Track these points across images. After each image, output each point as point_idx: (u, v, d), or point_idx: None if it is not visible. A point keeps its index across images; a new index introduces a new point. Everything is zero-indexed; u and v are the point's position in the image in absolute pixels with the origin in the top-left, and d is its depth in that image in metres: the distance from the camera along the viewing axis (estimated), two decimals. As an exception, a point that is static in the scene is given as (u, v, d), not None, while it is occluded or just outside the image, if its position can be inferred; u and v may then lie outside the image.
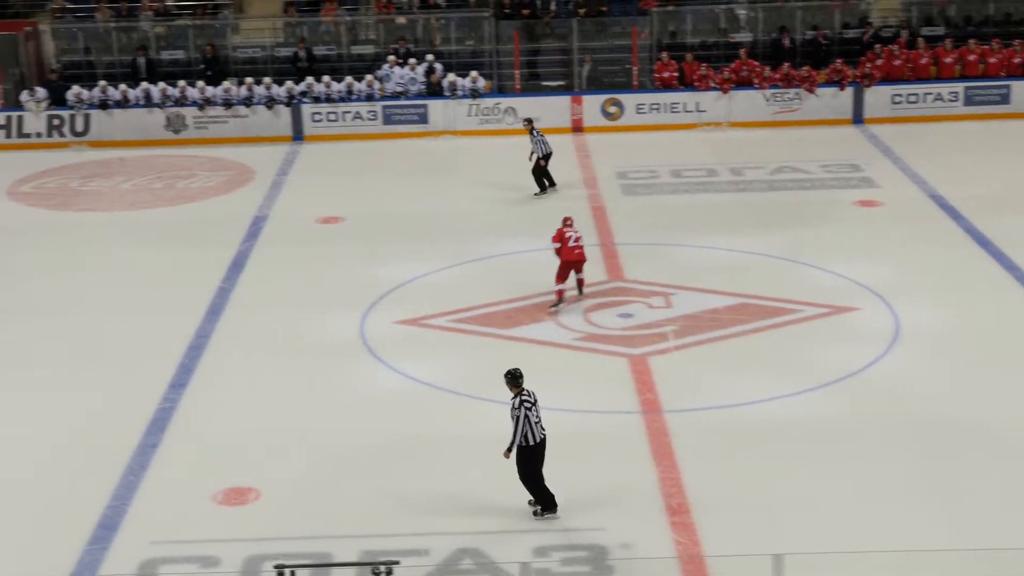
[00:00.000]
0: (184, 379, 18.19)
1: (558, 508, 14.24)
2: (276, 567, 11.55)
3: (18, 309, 21.02)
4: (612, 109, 32.01)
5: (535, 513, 14.33)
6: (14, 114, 31.83)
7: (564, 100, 32.22)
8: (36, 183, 28.82)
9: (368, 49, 33.82)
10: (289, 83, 31.96)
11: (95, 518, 14.47)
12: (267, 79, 32.01)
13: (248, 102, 31.72)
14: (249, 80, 31.91)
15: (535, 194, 26.47)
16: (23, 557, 13.69)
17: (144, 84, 31.98)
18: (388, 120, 31.81)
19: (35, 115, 31.79)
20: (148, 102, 31.83)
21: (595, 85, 32.86)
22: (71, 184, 28.73)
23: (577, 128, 31.85)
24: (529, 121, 27.02)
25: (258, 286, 21.89)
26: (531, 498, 14.34)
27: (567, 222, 20.65)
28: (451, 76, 32.05)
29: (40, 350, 19.39)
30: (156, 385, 17.90)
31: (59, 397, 17.78)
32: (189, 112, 31.78)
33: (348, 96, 31.88)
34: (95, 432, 16.66)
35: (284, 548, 13.56)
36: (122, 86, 31.94)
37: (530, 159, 26.57)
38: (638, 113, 31.96)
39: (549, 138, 26.71)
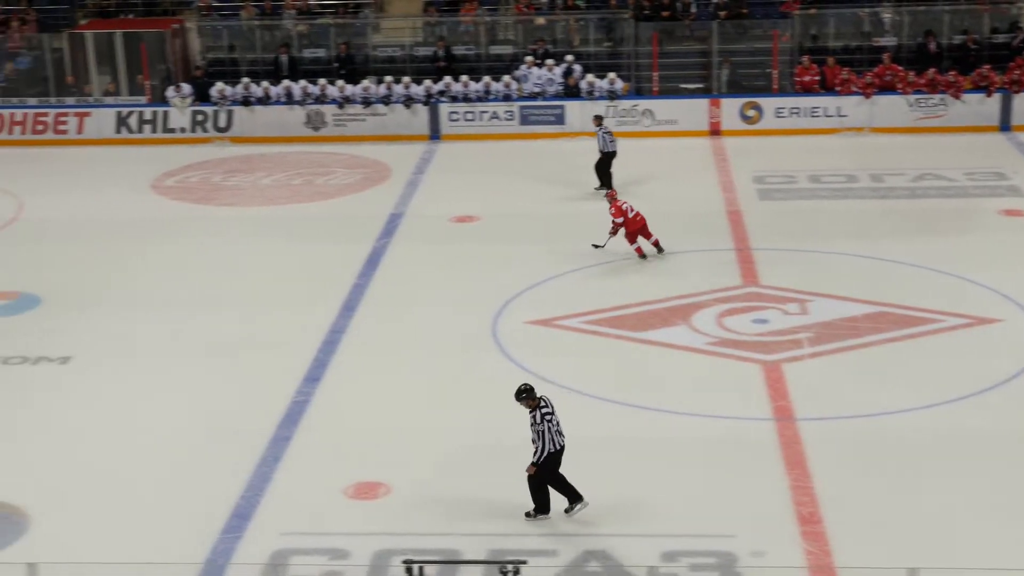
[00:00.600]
0: (318, 373, 18.39)
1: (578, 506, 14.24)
2: (404, 562, 11.61)
3: (159, 302, 21.41)
4: (751, 113, 31.67)
5: (527, 514, 14.25)
6: (160, 109, 32.51)
7: (702, 103, 31.96)
8: (179, 177, 29.39)
9: (506, 49, 33.91)
10: (427, 82, 32.17)
11: (229, 508, 14.69)
12: (406, 78, 32.26)
13: (387, 101, 32.00)
14: (388, 79, 32.18)
15: (595, 188, 26.76)
16: (159, 544, 13.93)
17: (286, 82, 32.44)
18: (525, 120, 31.85)
19: (180, 111, 32.45)
20: (289, 99, 32.29)
21: (734, 88, 32.54)
22: (213, 179, 29.26)
23: (715, 131, 31.58)
24: (599, 118, 27.45)
25: (392, 283, 22.06)
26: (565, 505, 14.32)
27: (614, 196, 22.63)
28: (589, 77, 32.00)
29: (178, 343, 19.74)
30: (290, 379, 18.12)
31: (196, 389, 18.09)
32: (329, 110, 32.17)
33: (485, 96, 32.00)
34: (230, 424, 16.91)
35: (412, 544, 13.62)
36: (264, 83, 32.46)
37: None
38: (777, 117, 31.58)
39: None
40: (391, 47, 34.13)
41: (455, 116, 32.01)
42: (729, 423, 16.54)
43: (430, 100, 32.04)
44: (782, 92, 32.11)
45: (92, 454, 16.21)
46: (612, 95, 31.71)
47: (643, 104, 31.87)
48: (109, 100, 33.06)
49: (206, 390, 18.03)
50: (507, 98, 32.02)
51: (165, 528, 14.40)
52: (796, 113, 31.55)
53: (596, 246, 22.89)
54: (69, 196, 27.88)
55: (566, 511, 14.31)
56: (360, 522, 14.35)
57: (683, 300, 20.43)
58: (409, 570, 11.50)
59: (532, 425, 14.06)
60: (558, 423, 14.13)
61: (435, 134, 32.01)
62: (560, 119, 31.81)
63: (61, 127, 32.67)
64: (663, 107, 31.70)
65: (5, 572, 12.73)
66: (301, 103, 32.22)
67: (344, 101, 32.08)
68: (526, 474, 14.19)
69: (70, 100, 33.04)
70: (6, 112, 32.71)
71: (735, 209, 25.66)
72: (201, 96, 32.53)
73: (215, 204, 27.25)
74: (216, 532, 14.19)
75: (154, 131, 32.50)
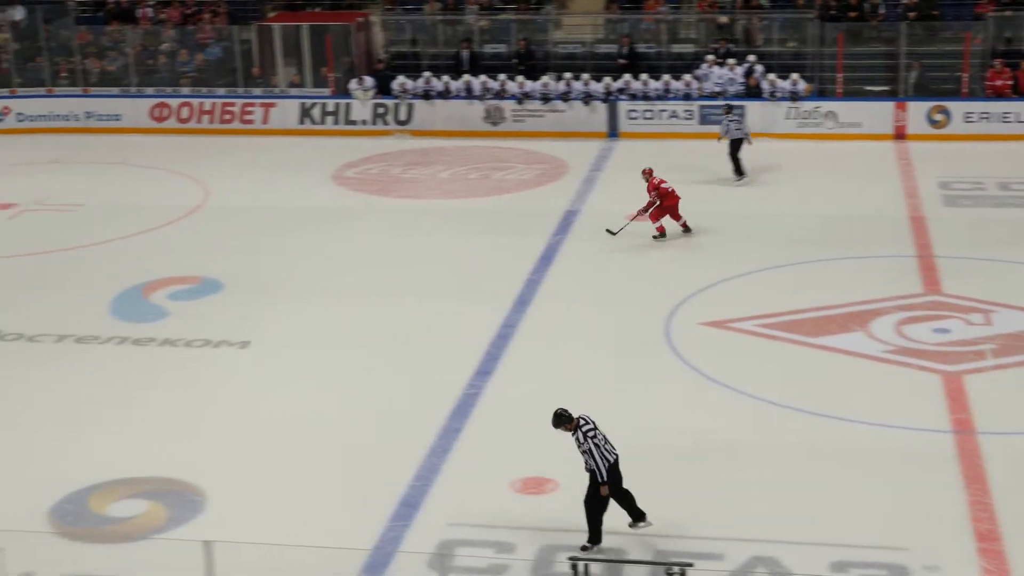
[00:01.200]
0: (490, 367, 18.47)
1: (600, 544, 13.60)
2: (570, 559, 11.57)
3: (338, 291, 21.75)
4: (938, 117, 30.86)
5: (583, 547, 13.53)
6: (343, 101, 33.05)
7: (887, 106, 31.24)
8: (360, 169, 29.82)
9: (688, 48, 33.65)
10: (607, 79, 32.10)
11: (398, 496, 14.83)
12: (585, 75, 32.22)
13: (566, 97, 32.02)
14: (567, 76, 32.19)
15: (735, 175, 27.59)
16: (329, 529, 14.12)
17: (466, 76, 32.69)
18: (704, 120, 31.54)
19: (362, 103, 32.93)
20: (469, 94, 32.53)
21: (922, 92, 31.73)
22: (392, 171, 29.61)
23: (900, 135, 30.85)
24: (729, 107, 28.34)
25: (566, 279, 22.05)
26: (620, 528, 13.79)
27: (651, 173, 23.54)
28: (771, 77, 31.56)
29: (355, 331, 20.01)
30: (462, 371, 18.23)
31: (370, 377, 18.32)
32: (508, 105, 32.32)
33: (665, 94, 31.79)
34: (402, 413, 17.08)
35: (579, 541, 13.56)
36: (445, 77, 32.76)
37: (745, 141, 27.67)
38: (966, 122, 30.71)
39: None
40: (572, 44, 34.12)
41: (634, 114, 31.87)
42: (906, 434, 16.12)
43: (609, 97, 31.96)
44: (972, 96, 31.22)
45: (267, 437, 16.53)
46: (794, 96, 31.23)
47: (826, 106, 31.31)
48: (294, 91, 33.72)
49: (380, 379, 18.23)
50: (687, 97, 31.77)
51: (335, 513, 14.60)
52: (986, 118, 30.65)
53: (610, 231, 23.59)
54: (253, 184, 28.51)
55: (630, 525, 13.86)
56: (527, 517, 14.36)
57: (861, 306, 20.01)
58: (575, 568, 11.46)
59: (579, 448, 13.58)
60: (604, 438, 13.58)
61: (613, 132, 31.92)
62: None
63: (247, 117, 33.44)
64: (847, 109, 31.11)
65: (181, 549, 13.04)
66: (480, 98, 32.43)
67: (523, 97, 32.19)
68: (586, 500, 13.61)
69: (256, 91, 33.78)
70: (195, 101, 33.59)
71: (919, 215, 25.03)
72: (383, 89, 32.97)
73: (394, 196, 27.58)
74: (384, 519, 14.34)
75: (336, 123, 33.05)
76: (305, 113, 33.23)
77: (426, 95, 32.60)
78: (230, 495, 15.04)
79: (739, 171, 27.63)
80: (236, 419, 17.04)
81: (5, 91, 34.25)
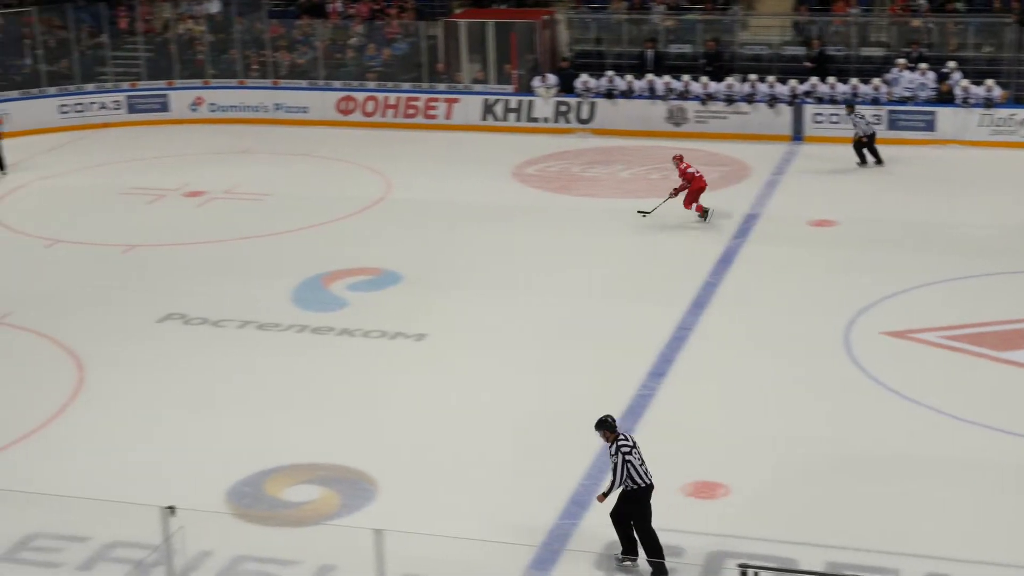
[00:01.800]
0: (663, 369, 18.32)
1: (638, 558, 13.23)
2: (740, 566, 11.39)
3: (515, 287, 21.82)
4: None
5: (616, 558, 13.35)
6: (525, 99, 33.18)
7: (1088, 115, 30.21)
8: (540, 166, 29.89)
9: (878, 51, 32.95)
10: (793, 82, 31.62)
11: (568, 493, 14.80)
12: (771, 77, 31.81)
13: (750, 99, 31.64)
14: (753, 77, 31.81)
15: (857, 163, 28.81)
16: (497, 524, 14.16)
17: (649, 76, 32.53)
18: (893, 125, 30.84)
19: (544, 101, 33.02)
20: (652, 94, 32.37)
21: (1122, 101, 30.59)
22: (572, 169, 29.61)
23: (1099, 145, 29.78)
24: (850, 106, 29.18)
25: (744, 284, 21.77)
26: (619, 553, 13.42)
27: (682, 159, 24.78)
28: (964, 83, 30.70)
29: (531, 328, 20.05)
30: (636, 372, 18.12)
31: (544, 374, 18.32)
32: (691, 106, 32.07)
33: (852, 98, 31.17)
34: (574, 411, 17.02)
35: (748, 548, 13.38)
36: (628, 77, 32.65)
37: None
38: None
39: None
40: (758, 45, 33.69)
41: (820, 118, 31.34)
42: (1095, 455, 15.54)
43: (795, 100, 31.47)
44: None
45: (440, 430, 16.65)
46: (988, 103, 30.34)
47: (1021, 114, 30.34)
48: (477, 88, 33.96)
49: (554, 376, 18.23)
50: (875, 101, 31.10)
51: (504, 508, 14.64)
52: None
53: (643, 212, 24.78)
54: (434, 179, 28.79)
55: (616, 557, 13.47)
56: (696, 521, 14.20)
57: (1052, 321, 19.35)
58: (744, 574, 11.27)
59: (610, 456, 13.28)
60: (642, 462, 13.20)
61: (798, 135, 31.42)
62: (930, 126, 30.66)
63: (431, 112, 33.80)
64: (1043, 117, 30.16)
65: (352, 536, 13.21)
66: (663, 98, 32.24)
67: (707, 98, 31.91)
68: (613, 514, 13.34)
69: (441, 86, 34.12)
70: (381, 95, 34.08)
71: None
72: (566, 87, 33.00)
73: (573, 194, 27.57)
74: (553, 517, 14.32)
75: (518, 119, 33.19)
76: (488, 109, 33.45)
77: (609, 94, 32.54)
78: (402, 485, 15.18)
79: (869, 158, 28.85)
80: (410, 410, 17.21)
81: (199, 82, 35.20)
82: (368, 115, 34.16)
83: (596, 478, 15.14)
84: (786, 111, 31.43)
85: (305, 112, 34.44)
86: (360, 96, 34.24)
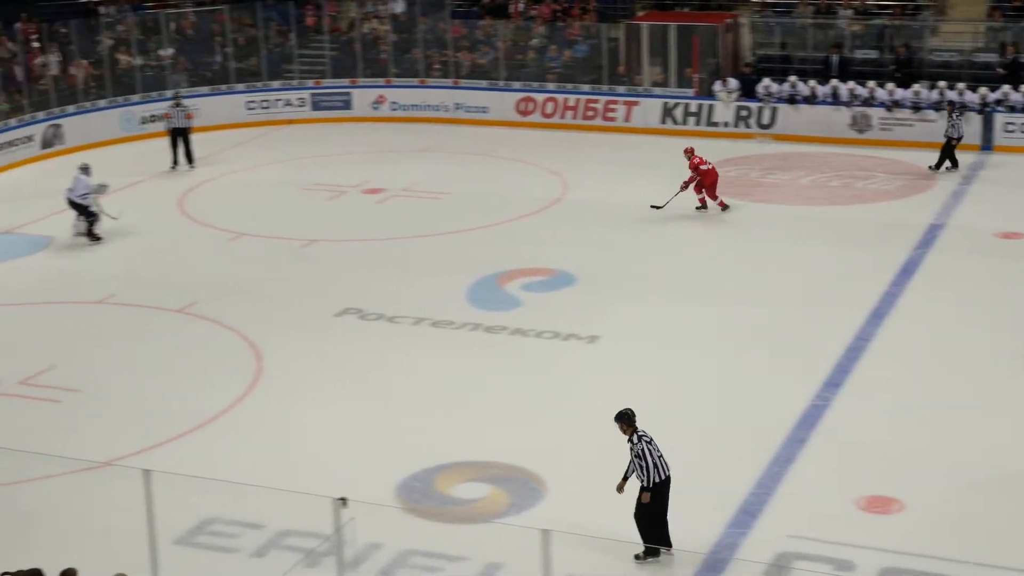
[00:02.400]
0: (839, 379, 17.98)
1: (661, 553, 13.34)
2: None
3: (688, 291, 21.65)
4: None
5: (636, 557, 13.42)
6: (705, 103, 32.89)
7: None
8: (719, 171, 29.53)
9: (1074, 59, 31.86)
10: (983, 90, 30.74)
11: (737, 502, 14.63)
12: (960, 84, 30.97)
13: (938, 107, 30.84)
14: (941, 84, 31.01)
15: (929, 167, 28.52)
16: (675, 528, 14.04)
17: (833, 82, 31.96)
18: (1090, 137, 29.82)
19: (725, 105, 32.70)
20: (835, 100, 31.80)
21: None
22: (751, 175, 29.25)
23: None
24: (951, 104, 29.12)
25: (926, 295, 21.24)
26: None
27: (694, 152, 25.59)
28: None
29: (704, 333, 19.87)
30: (811, 381, 17.82)
31: (717, 380, 18.15)
32: (875, 113, 31.41)
33: (1040, 106, 30.19)
34: (746, 419, 16.84)
35: (921, 566, 13.06)
36: (812, 82, 32.13)
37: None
38: None
39: None
40: (948, 51, 32.83)
41: (1011, 127, 30.40)
42: None
43: (985, 109, 30.60)
44: None
45: (611, 433, 16.51)
46: None
47: None
48: (657, 91, 33.78)
49: (726, 382, 18.04)
50: (1068, 111, 30.10)
51: (672, 513, 14.49)
52: None
53: (656, 206, 25.54)
54: (611, 181, 28.71)
55: (636, 557, 13.43)
56: (870, 536, 13.89)
57: None
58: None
59: (631, 450, 13.39)
60: (660, 455, 13.38)
61: (987, 144, 30.53)
62: None
63: (610, 114, 33.73)
64: None
65: (519, 535, 13.24)
66: (848, 104, 31.65)
67: (893, 105, 31.21)
68: (636, 515, 13.38)
69: (620, 88, 34.01)
70: (560, 97, 34.13)
71: None
72: (747, 92, 32.63)
73: (752, 200, 27.22)
74: (722, 525, 14.16)
75: (698, 123, 32.92)
76: (667, 113, 33.26)
77: (791, 99, 32.07)
78: (570, 487, 15.18)
79: (946, 163, 28.54)
80: (581, 412, 17.18)
81: (381, 80, 35.71)
82: (547, 116, 34.24)
83: (767, 487, 14.95)
84: (976, 120, 30.52)
85: (485, 112, 34.68)
86: (540, 97, 34.35)
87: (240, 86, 35.38)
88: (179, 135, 30.24)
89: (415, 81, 35.61)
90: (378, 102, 35.49)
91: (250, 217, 26.42)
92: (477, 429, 16.73)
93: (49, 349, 19.79)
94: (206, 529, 14.39)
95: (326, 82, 35.86)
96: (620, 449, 16.01)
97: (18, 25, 32.99)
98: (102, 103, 33.53)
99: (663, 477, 13.43)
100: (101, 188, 25.19)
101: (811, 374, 18.03)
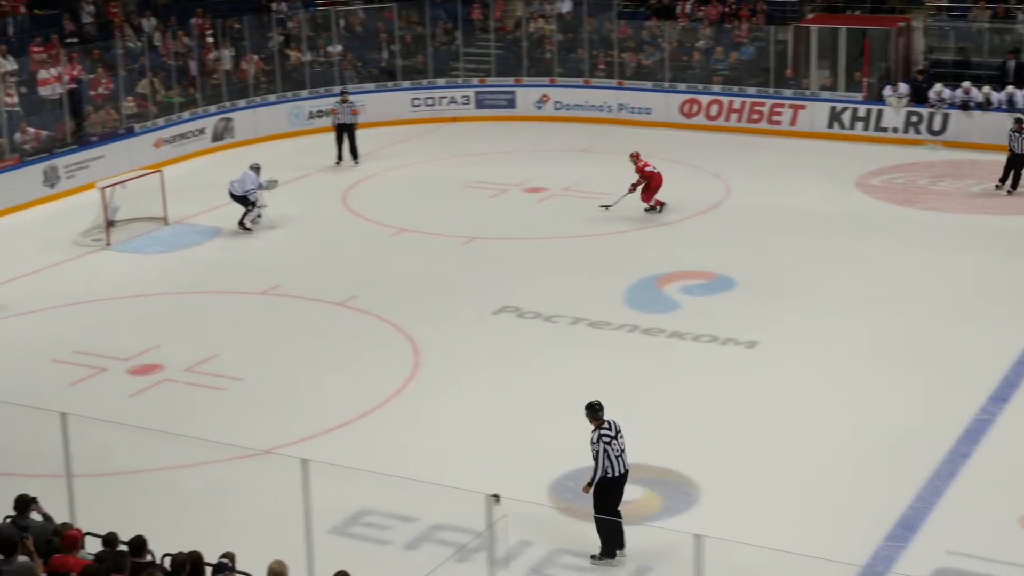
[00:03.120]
0: (1007, 394, 17.49)
1: (618, 555, 13.42)
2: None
3: (851, 299, 21.26)
4: None
5: (592, 557, 13.57)
6: (874, 107, 32.26)
7: None
8: (886, 177, 29.00)
9: None
10: None
11: (896, 516, 14.31)
12: None
13: (1119, 116, 29.76)
14: (1123, 93, 29.95)
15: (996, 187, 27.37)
16: (819, 539, 13.79)
17: (1009, 88, 31.07)
18: None
19: (895, 110, 32.03)
20: (1011, 107, 30.89)
21: None
22: (919, 182, 28.61)
23: None
24: (1019, 121, 27.21)
25: (1100, 309, 20.57)
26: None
27: (639, 156, 25.88)
28: None
29: (863, 342, 19.50)
30: (976, 395, 17.37)
31: (877, 391, 17.80)
32: (1051, 121, 30.45)
33: None
34: (908, 431, 16.49)
35: (1090, 590, 12.63)
36: (986, 88, 31.28)
37: None
38: None
39: None
40: None
41: None
42: None
43: None
44: None
45: (767, 440, 16.39)
46: None
47: None
48: (825, 94, 33.24)
49: (887, 393, 17.68)
50: None
51: (827, 523, 14.29)
52: None
53: (604, 206, 25.95)
54: (774, 185, 28.35)
55: (592, 557, 13.61)
56: (1033, 555, 13.50)
57: None
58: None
59: (591, 444, 13.55)
60: (621, 451, 13.52)
61: None
62: None
63: (775, 117, 33.31)
64: None
65: (672, 539, 13.14)
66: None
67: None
68: (595, 510, 13.54)
69: (787, 92, 33.55)
70: (725, 99, 33.81)
71: None
72: (918, 97, 31.91)
73: (919, 207, 26.63)
74: (880, 538, 13.88)
75: (866, 129, 32.31)
76: (835, 117, 32.71)
77: (964, 106, 31.27)
78: (724, 492, 15.02)
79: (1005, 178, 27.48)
80: (738, 418, 17.00)
81: (545, 80, 35.78)
82: (711, 119, 33.95)
83: (928, 501, 14.63)
84: None
85: (648, 113, 34.52)
86: (704, 99, 34.06)
87: (406, 83, 35.77)
88: (345, 131, 30.70)
89: (579, 81, 35.59)
90: (542, 101, 35.57)
91: (412, 213, 26.69)
92: (632, 431, 16.56)
93: (214, 338, 20.25)
94: (360, 520, 14.57)
95: (491, 80, 36.06)
96: (776, 456, 15.86)
97: (193, 20, 33.82)
98: (271, 98, 34.22)
99: (617, 474, 13.55)
100: (272, 184, 25.80)
101: (976, 388, 17.57)
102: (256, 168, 25.55)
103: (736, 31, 35.05)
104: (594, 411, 13.80)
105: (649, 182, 25.88)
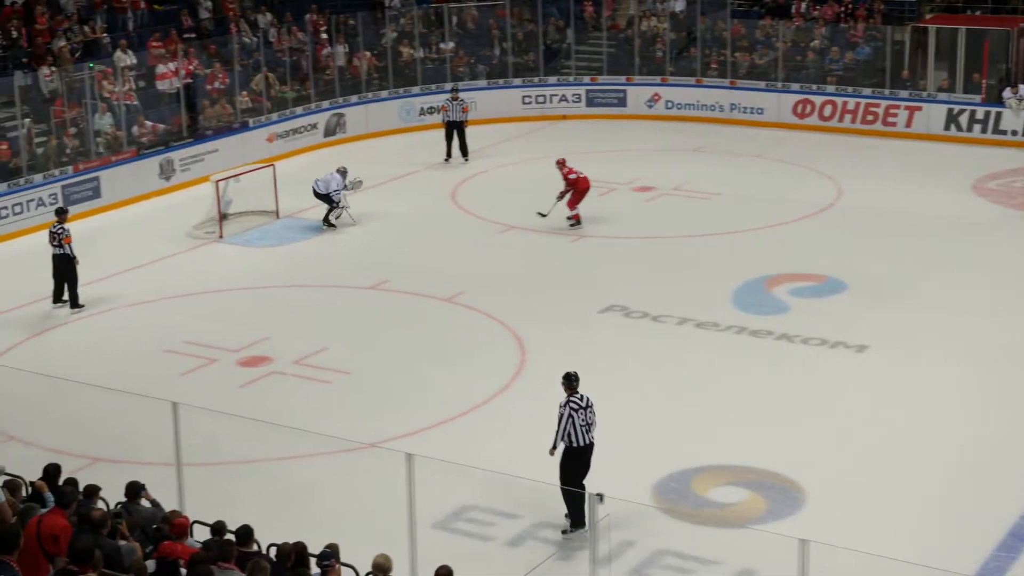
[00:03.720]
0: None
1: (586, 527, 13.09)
2: None
3: (961, 305, 20.88)
4: None
5: (564, 532, 13.92)
6: (993, 110, 31.64)
7: None
8: (1003, 181, 28.44)
9: None
10: None
11: (1008, 525, 14.05)
12: None
13: None
14: None
15: None
16: (927, 547, 13.57)
17: None
18: None
19: (1014, 113, 31.38)
20: None
21: None
22: (1037, 186, 28.10)
23: None
24: None
25: None
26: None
27: (565, 163, 25.28)
28: None
29: (977, 349, 19.15)
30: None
31: (990, 398, 17.53)
32: None
33: None
34: (1017, 438, 16.16)
35: None
36: (1109, 91, 30.58)
37: None
38: None
39: None
40: None
41: None
42: None
43: None
44: None
45: (876, 445, 16.17)
46: None
47: None
48: (942, 96, 32.66)
49: (1001, 401, 17.36)
50: None
51: (936, 531, 14.06)
52: None
53: (541, 214, 25.21)
54: (888, 188, 27.92)
55: (563, 533, 14.00)
56: None
57: None
58: None
59: (559, 408, 14.09)
60: (588, 424, 14.06)
61: None
62: None
63: (890, 119, 32.81)
64: None
65: (776, 543, 13.00)
66: None
67: None
68: (561, 479, 13.97)
69: (903, 93, 33.03)
70: (839, 100, 33.37)
71: None
72: (1048, 98, 31.28)
73: (1036, 212, 26.14)
74: (990, 548, 13.61)
75: (983, 131, 31.70)
76: (951, 119, 32.12)
77: (1085, 108, 30.62)
78: (830, 496, 14.85)
79: None
80: (846, 422, 16.79)
81: (657, 79, 35.60)
82: (825, 119, 33.52)
83: (1040, 513, 14.30)
84: None
85: (760, 113, 34.19)
86: (818, 100, 33.65)
87: (517, 80, 35.81)
88: (454, 128, 30.83)
89: (691, 80, 35.35)
90: (653, 100, 35.39)
91: (520, 210, 26.70)
92: (738, 432, 16.51)
93: (323, 331, 20.45)
94: (464, 515, 14.62)
95: (602, 79, 35.97)
96: (884, 461, 15.63)
97: (308, 16, 34.18)
98: (383, 94, 34.47)
99: (581, 444, 14.01)
100: (356, 184, 26.12)
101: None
102: (343, 172, 25.93)
103: (852, 31, 34.56)
104: (569, 381, 14.30)
105: (576, 187, 25.14)
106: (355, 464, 15.78)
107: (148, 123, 29.36)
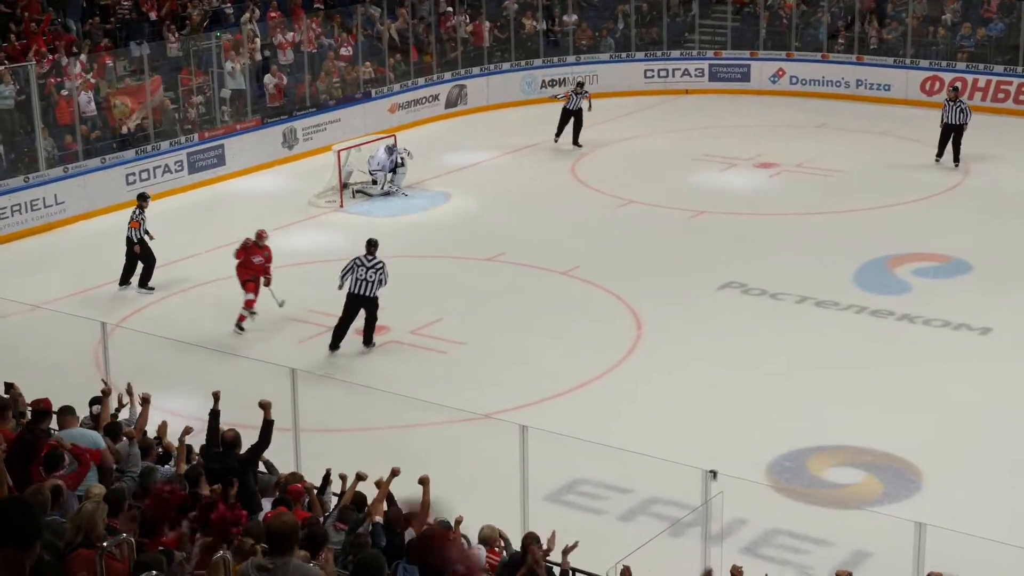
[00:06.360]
0: None
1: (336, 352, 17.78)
2: None
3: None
4: None
5: (280, 304, 19.38)
6: None
7: None
8: None
9: None
10: None
11: None
12: None
13: None
14: None
15: None
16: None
17: None
18: None
19: None
20: None
21: None
22: None
23: None
24: None
25: None
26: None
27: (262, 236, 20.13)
28: None
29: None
30: None
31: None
32: None
33: None
34: None
35: None
36: None
37: None
38: None
39: None
40: None
41: None
42: None
43: None
44: None
45: (996, 429, 15.89)
46: None
47: None
48: (1076, 74, 31.86)
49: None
50: None
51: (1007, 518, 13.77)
52: None
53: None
54: (1017, 168, 27.31)
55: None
56: None
57: None
58: None
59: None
60: (365, 279, 17.99)
61: None
62: None
63: (1022, 97, 32.04)
64: None
65: (892, 526, 12.83)
66: None
67: None
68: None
69: (1036, 71, 32.28)
70: (970, 77, 32.66)
71: None
72: None
73: None
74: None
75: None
76: (1085, 98, 31.32)
77: None
78: (948, 480, 14.62)
79: None
80: (967, 406, 16.50)
81: (782, 54, 35.13)
82: (954, 97, 32.87)
83: None
84: None
85: (887, 90, 33.59)
86: (947, 77, 32.95)
87: (639, 54, 35.59)
88: (573, 115, 30.06)
89: (817, 55, 34.83)
90: (777, 75, 34.94)
91: (640, 185, 26.58)
92: (855, 413, 16.31)
93: (439, 302, 20.56)
94: (576, 488, 14.64)
95: (726, 54, 35.59)
96: (1004, 447, 15.34)
97: (432, -13, 34.30)
98: (505, 66, 34.48)
99: (353, 292, 18.08)
100: (408, 155, 26.36)
101: None
102: (390, 148, 26.21)
103: (986, 6, 33.76)
104: (368, 245, 18.31)
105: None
106: (469, 435, 15.87)
107: (272, 86, 29.53)
